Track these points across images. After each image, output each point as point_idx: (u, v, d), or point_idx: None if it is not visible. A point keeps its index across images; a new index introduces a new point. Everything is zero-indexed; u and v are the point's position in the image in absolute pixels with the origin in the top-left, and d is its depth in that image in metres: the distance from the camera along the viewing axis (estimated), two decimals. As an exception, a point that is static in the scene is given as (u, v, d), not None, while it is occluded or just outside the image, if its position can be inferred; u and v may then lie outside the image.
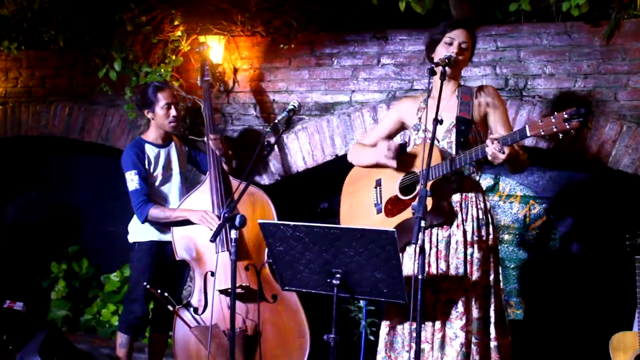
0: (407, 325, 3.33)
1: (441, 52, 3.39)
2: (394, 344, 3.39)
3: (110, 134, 5.39)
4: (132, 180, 4.18)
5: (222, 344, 3.90)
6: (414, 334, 3.23)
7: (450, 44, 3.39)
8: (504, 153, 3.06)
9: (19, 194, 6.43)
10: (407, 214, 3.34)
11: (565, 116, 2.89)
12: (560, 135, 2.93)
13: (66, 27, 5.19)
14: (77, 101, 5.53)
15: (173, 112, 4.27)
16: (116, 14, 4.90)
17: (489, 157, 3.10)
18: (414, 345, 3.25)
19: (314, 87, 4.85)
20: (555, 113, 2.93)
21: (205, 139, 4.38)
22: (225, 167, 4.38)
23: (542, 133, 2.96)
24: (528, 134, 3.01)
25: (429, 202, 3.18)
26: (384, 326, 3.43)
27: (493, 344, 3.26)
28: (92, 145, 5.57)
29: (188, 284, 4.66)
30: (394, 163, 3.43)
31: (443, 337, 3.25)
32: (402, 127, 3.70)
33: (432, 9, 4.30)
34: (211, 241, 3.93)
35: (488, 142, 3.09)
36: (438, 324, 3.25)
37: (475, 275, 3.26)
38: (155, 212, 4.16)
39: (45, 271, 6.13)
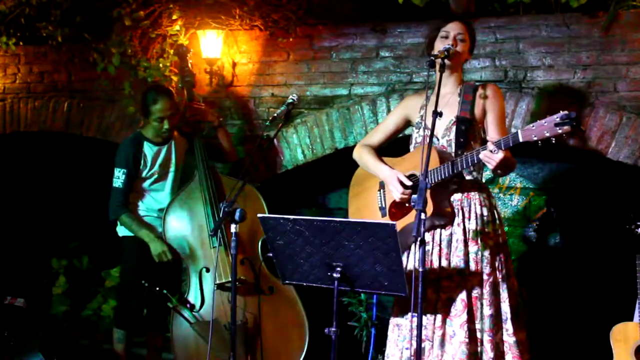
0: (409, 322, 3.33)
1: (439, 46, 3.39)
2: (399, 340, 3.40)
3: (109, 129, 5.38)
4: (118, 178, 4.22)
5: (223, 338, 3.90)
6: (414, 332, 3.27)
7: (446, 37, 3.40)
8: (496, 155, 3.03)
9: (19, 191, 6.43)
10: (411, 217, 3.34)
11: (557, 120, 2.86)
12: (553, 139, 2.91)
13: (64, 22, 5.18)
14: (76, 96, 5.53)
15: (165, 125, 4.27)
16: (114, 9, 4.89)
17: (483, 159, 3.09)
18: (413, 343, 3.27)
19: (313, 80, 4.84)
20: (547, 116, 2.90)
21: (193, 138, 4.38)
22: (223, 137, 4.47)
23: (535, 138, 2.92)
24: (520, 140, 2.98)
25: (429, 207, 3.19)
26: (391, 323, 3.46)
27: (512, 339, 3.26)
28: (91, 140, 5.57)
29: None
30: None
31: (443, 335, 3.25)
32: (407, 124, 3.70)
33: (431, 1, 4.29)
34: (211, 236, 3.94)
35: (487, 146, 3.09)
36: (439, 321, 3.26)
37: (483, 273, 3.26)
38: (127, 220, 4.23)
39: (46, 267, 6.13)
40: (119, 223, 4.30)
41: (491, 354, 3.21)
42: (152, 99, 4.25)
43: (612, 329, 3.70)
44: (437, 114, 3.03)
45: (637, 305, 3.68)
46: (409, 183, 3.37)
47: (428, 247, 3.31)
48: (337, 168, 4.94)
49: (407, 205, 3.41)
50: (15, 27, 5.50)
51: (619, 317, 3.76)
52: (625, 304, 3.92)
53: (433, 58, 3.19)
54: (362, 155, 3.69)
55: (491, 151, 3.03)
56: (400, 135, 3.84)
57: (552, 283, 4.70)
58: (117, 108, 5.34)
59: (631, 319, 3.70)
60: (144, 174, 4.29)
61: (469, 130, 3.35)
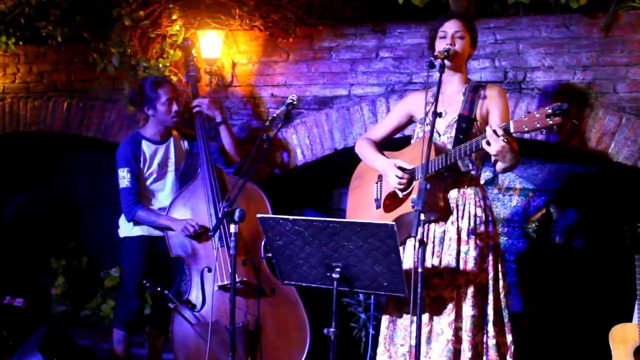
0: (404, 319, 3.33)
1: (438, 47, 3.40)
2: (394, 338, 3.40)
3: (109, 129, 5.38)
4: (124, 178, 4.19)
5: (223, 339, 3.89)
6: (410, 329, 3.26)
7: (444, 37, 3.40)
8: (502, 139, 3.00)
9: (18, 190, 6.43)
10: (403, 209, 3.34)
11: (549, 111, 2.86)
12: (544, 131, 2.90)
13: (64, 22, 5.17)
14: (76, 96, 5.53)
15: (175, 107, 4.25)
16: (114, 9, 4.89)
17: (484, 144, 3.05)
18: (408, 339, 3.27)
19: (313, 80, 4.84)
20: (540, 108, 2.91)
21: (197, 137, 4.36)
22: (226, 134, 4.41)
23: (526, 129, 2.92)
24: (511, 130, 2.98)
25: None
26: (384, 320, 3.44)
27: (491, 342, 3.25)
28: (91, 141, 5.56)
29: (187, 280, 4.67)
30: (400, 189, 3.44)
31: (430, 332, 3.25)
32: (410, 121, 3.70)
33: (431, 1, 4.29)
34: (210, 235, 3.92)
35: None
36: (426, 318, 3.25)
37: (470, 273, 3.25)
38: (142, 214, 4.18)
39: (45, 267, 6.13)
40: (133, 223, 4.25)
41: (469, 354, 3.20)
42: (154, 85, 4.24)
43: (611, 330, 3.70)
44: (436, 115, 3.04)
45: (636, 306, 3.68)
46: (409, 167, 3.37)
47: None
48: (337, 168, 4.95)
49: (400, 197, 3.40)
50: (14, 27, 5.50)
51: (618, 318, 3.76)
52: (624, 305, 3.92)
53: (433, 59, 3.20)
54: (362, 148, 3.72)
55: (496, 133, 2.99)
56: (399, 135, 3.84)
57: (552, 283, 4.70)
58: (116, 108, 5.34)
59: (630, 320, 3.70)
60: (144, 173, 4.28)
61: (469, 128, 3.35)
